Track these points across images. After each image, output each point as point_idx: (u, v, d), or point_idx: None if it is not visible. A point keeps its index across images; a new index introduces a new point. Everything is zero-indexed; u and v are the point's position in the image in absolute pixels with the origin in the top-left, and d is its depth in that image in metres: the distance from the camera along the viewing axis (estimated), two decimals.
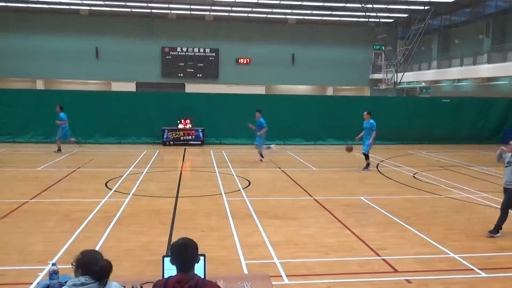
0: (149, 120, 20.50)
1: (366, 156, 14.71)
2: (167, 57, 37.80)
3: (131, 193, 10.65)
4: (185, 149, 19.35)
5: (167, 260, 3.73)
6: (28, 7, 34.40)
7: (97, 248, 6.68)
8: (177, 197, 10.44)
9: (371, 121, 14.47)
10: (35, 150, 17.85)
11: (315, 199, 10.48)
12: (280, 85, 38.87)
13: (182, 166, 15.22)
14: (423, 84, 36.14)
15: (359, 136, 15.03)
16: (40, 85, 36.41)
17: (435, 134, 22.56)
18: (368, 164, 14.71)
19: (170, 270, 3.56)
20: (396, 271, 6.27)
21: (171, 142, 20.42)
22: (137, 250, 6.84)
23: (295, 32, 38.66)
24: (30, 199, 9.87)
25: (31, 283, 5.53)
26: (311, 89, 39.88)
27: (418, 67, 36.39)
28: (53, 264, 3.83)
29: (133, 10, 35.14)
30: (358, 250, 7.08)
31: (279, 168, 14.89)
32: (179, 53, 37.91)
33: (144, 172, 13.52)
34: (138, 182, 11.98)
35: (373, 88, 39.56)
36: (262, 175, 13.61)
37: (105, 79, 37.04)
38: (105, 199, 10.06)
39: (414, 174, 14.07)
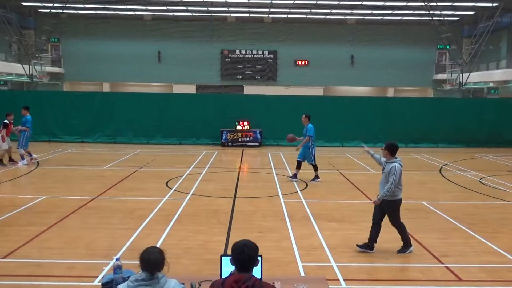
0: (208, 122, 20.91)
1: (315, 167, 12.66)
2: (226, 59, 38.37)
3: (191, 193, 10.89)
4: (243, 150, 19.55)
5: (225, 259, 3.79)
6: (97, 13, 36.17)
7: (158, 245, 6.89)
8: (235, 197, 10.57)
9: (309, 125, 12.50)
10: (101, 150, 18.70)
11: None
12: (339, 86, 38.36)
13: (240, 167, 15.39)
14: (491, 84, 34.33)
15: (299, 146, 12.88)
16: (106, 87, 38.13)
17: (503, 137, 21.39)
18: (316, 176, 12.68)
19: (228, 269, 3.62)
20: (460, 279, 6.00)
21: (230, 144, 20.70)
22: (195, 249, 6.98)
23: (355, 33, 38.00)
24: (97, 197, 10.35)
25: (97, 277, 5.80)
26: (371, 90, 39.05)
27: (485, 67, 34.66)
28: (117, 259, 3.99)
29: (194, 14, 35.98)
30: (419, 257, 6.84)
31: (337, 170, 14.70)
32: (238, 55, 38.35)
33: (203, 173, 13.79)
34: (197, 182, 12.24)
35: (437, 89, 38.12)
36: (320, 177, 13.48)
37: (166, 82, 38.17)
38: (166, 198, 10.36)
39: (480, 178, 13.41)
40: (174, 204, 9.72)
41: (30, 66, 32.02)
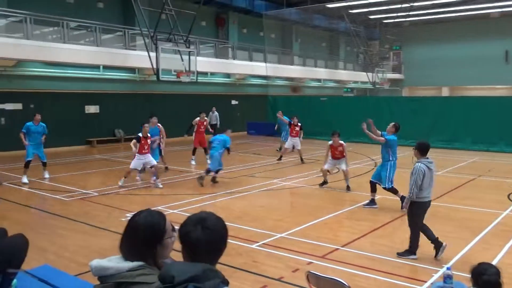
0: None
1: (394, 190, 9.51)
2: None
3: None
4: None
5: None
6: (437, 18, 35.76)
7: (493, 262, 6.30)
8: None
9: (391, 137, 9.62)
10: (436, 155, 18.36)
11: None
12: None
13: None
14: None
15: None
16: (445, 92, 37.32)
17: None
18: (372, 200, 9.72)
19: None
20: None
21: None
22: None
23: None
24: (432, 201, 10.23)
25: (425, 281, 5.75)
26: None
27: None
28: (448, 269, 3.88)
29: None
30: None
31: None
32: None
33: None
34: None
35: None
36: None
37: None
38: (507, 211, 9.33)
39: None
40: None
41: (373, 74, 34.45)
